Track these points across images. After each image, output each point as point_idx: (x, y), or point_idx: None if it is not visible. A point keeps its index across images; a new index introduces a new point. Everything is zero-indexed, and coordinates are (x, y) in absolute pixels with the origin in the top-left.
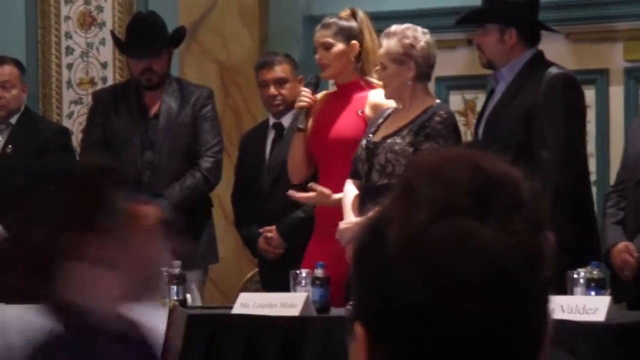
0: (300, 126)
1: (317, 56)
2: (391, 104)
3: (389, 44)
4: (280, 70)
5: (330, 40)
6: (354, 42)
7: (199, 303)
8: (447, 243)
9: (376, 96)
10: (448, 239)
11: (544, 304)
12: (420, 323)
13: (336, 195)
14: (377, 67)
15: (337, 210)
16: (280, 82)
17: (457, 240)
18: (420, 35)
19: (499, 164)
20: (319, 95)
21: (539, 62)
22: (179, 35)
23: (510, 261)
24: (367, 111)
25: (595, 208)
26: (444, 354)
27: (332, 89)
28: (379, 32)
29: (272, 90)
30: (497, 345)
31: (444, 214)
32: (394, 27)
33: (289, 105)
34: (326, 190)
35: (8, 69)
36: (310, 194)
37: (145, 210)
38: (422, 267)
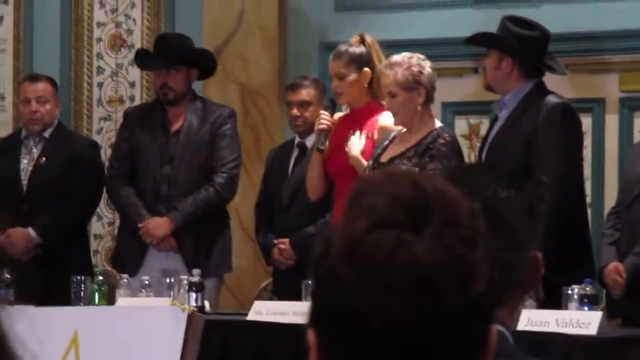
0: (321, 147)
1: (332, 85)
2: (397, 126)
3: (396, 73)
4: (305, 93)
5: (343, 70)
6: (365, 69)
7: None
8: (380, 252)
9: (384, 120)
10: (381, 248)
11: (475, 317)
12: (356, 325)
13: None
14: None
15: None
16: (303, 105)
17: (389, 249)
18: (423, 63)
19: (438, 183)
20: (336, 116)
21: (540, 91)
22: (198, 55)
23: (437, 273)
24: (376, 134)
25: (590, 228)
26: (379, 357)
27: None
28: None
29: (295, 111)
30: (427, 352)
31: (380, 225)
32: (396, 58)
33: (311, 126)
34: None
35: (43, 86)
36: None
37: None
38: (356, 273)
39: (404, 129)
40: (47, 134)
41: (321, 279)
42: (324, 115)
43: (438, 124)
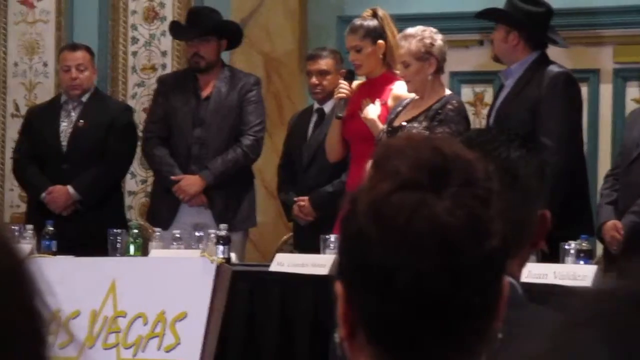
0: (340, 115)
1: (350, 57)
2: (410, 94)
3: (409, 44)
4: (323, 63)
5: (360, 43)
6: (380, 41)
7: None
8: (404, 210)
9: (398, 89)
10: (404, 207)
11: (490, 271)
12: (383, 279)
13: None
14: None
15: None
16: (322, 74)
17: (412, 208)
18: (435, 35)
19: (456, 147)
20: (353, 84)
21: (543, 61)
22: (227, 27)
23: (456, 231)
24: (390, 102)
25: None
26: (404, 307)
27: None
28: (400, 32)
29: (314, 80)
30: (447, 301)
31: (404, 186)
32: (410, 30)
33: (329, 94)
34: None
35: (81, 54)
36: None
37: (189, 181)
38: (382, 230)
39: (417, 96)
40: (84, 99)
41: (349, 237)
42: (343, 84)
43: (447, 91)
